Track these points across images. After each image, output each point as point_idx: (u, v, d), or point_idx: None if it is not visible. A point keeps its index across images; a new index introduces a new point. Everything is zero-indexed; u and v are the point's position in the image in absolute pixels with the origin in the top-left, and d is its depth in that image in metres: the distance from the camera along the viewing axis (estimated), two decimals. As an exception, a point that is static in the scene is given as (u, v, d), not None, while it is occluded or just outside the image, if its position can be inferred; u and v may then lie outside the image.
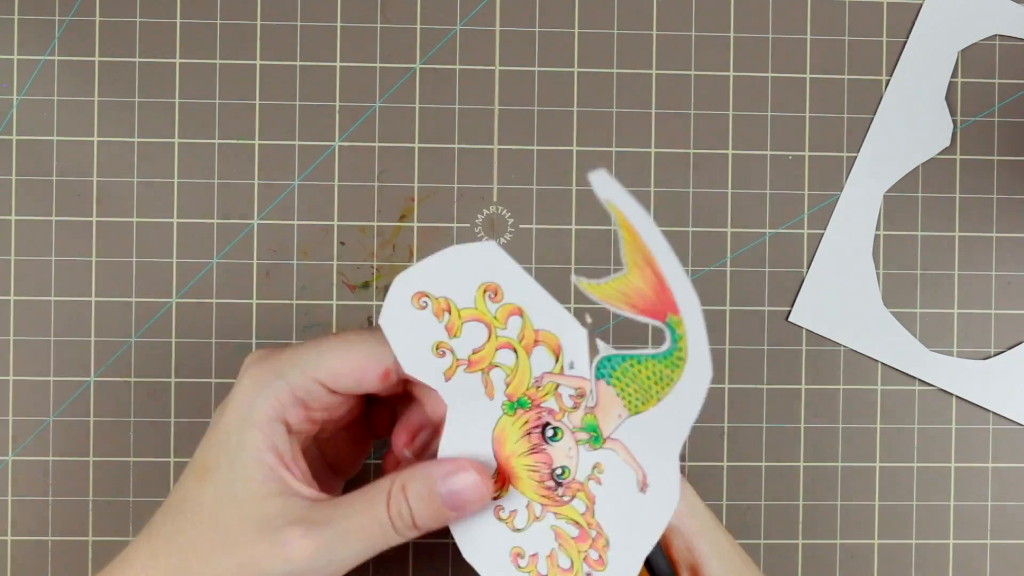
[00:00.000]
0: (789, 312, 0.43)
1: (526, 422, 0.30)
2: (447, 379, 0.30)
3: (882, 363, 0.43)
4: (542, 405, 0.30)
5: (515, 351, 0.30)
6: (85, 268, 0.42)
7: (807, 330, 0.43)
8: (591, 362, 0.30)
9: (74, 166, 0.42)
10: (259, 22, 0.43)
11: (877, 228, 0.44)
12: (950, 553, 0.43)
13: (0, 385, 0.42)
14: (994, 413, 0.43)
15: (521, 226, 0.43)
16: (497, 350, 0.30)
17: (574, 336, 0.30)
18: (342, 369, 0.29)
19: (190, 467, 0.30)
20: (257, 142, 0.43)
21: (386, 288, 0.31)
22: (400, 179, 0.43)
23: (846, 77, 0.44)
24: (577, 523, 0.30)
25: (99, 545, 0.42)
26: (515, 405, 0.30)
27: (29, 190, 0.42)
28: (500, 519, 0.31)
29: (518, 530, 0.31)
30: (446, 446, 0.31)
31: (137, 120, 0.43)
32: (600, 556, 0.30)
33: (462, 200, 0.43)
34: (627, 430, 0.30)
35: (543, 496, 0.30)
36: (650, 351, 0.29)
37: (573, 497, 0.30)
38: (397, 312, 0.30)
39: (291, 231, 0.43)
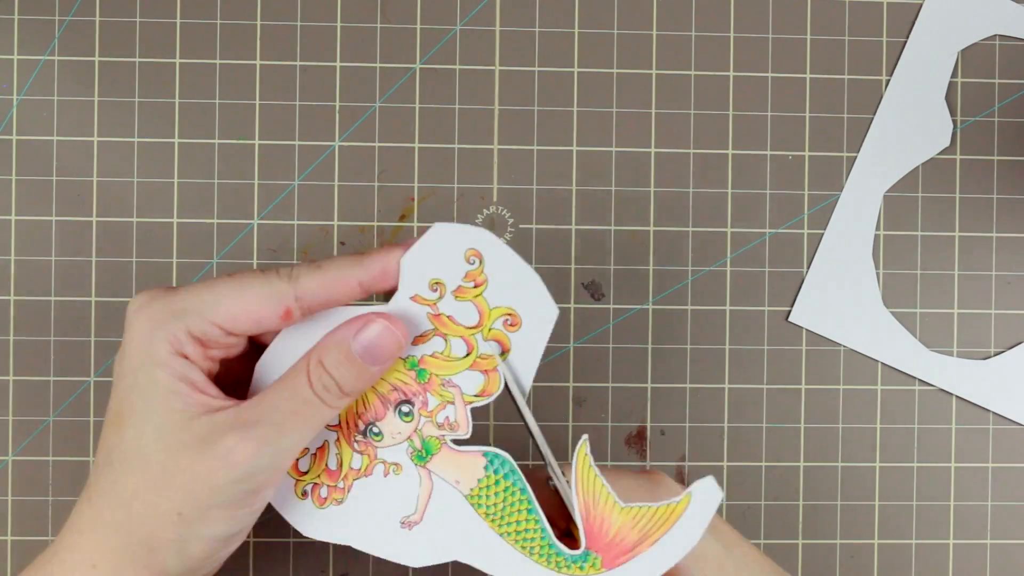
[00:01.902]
0: (789, 312, 0.43)
1: (404, 383, 0.31)
2: (411, 300, 0.31)
3: (882, 363, 0.43)
4: (427, 394, 0.31)
5: (469, 352, 0.31)
6: (85, 268, 0.42)
7: (807, 330, 0.43)
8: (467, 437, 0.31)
9: (74, 166, 0.42)
10: (259, 22, 0.43)
11: (877, 228, 0.44)
12: (950, 553, 0.43)
13: (0, 385, 0.42)
14: (994, 413, 0.43)
15: (521, 226, 0.43)
16: (461, 337, 0.31)
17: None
18: (240, 313, 0.29)
19: (107, 420, 0.30)
20: (257, 142, 0.43)
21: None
22: (400, 179, 0.43)
23: (846, 77, 0.44)
24: (341, 465, 0.31)
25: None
26: (416, 367, 0.31)
27: (29, 190, 0.42)
28: None
29: None
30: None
31: (137, 120, 0.43)
32: (329, 496, 0.31)
33: (462, 200, 0.43)
34: (447, 493, 0.31)
35: (347, 423, 0.31)
36: (550, 532, 0.30)
37: (360, 453, 0.31)
38: (452, 239, 0.30)
39: (291, 231, 0.43)
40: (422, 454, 0.31)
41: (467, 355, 0.31)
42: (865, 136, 0.43)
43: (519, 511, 0.30)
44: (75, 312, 0.42)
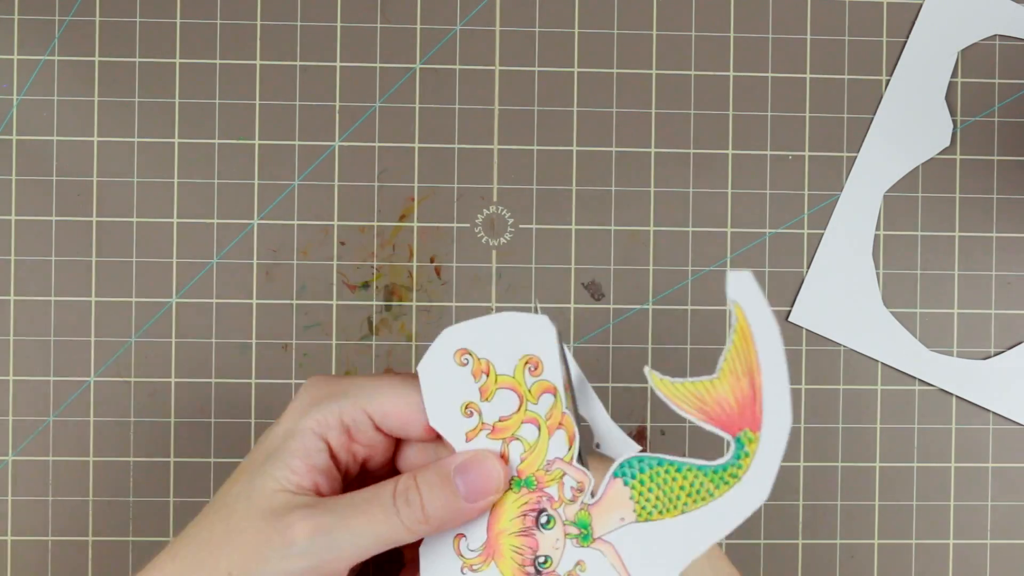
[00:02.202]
0: (789, 312, 0.43)
1: (526, 503, 0.30)
2: (467, 440, 0.30)
3: (882, 363, 0.43)
4: (545, 489, 0.30)
5: (539, 428, 0.30)
6: (85, 268, 0.42)
7: (807, 330, 0.43)
8: (583, 454, 0.30)
9: (74, 166, 0.42)
10: (259, 22, 0.43)
11: (877, 228, 0.44)
12: (950, 553, 0.43)
13: (0, 385, 0.42)
14: (994, 413, 0.43)
15: (521, 226, 0.43)
16: (523, 423, 0.30)
17: (597, 421, 0.30)
18: (392, 410, 0.29)
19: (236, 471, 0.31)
20: (257, 142, 0.43)
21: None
22: (400, 179, 0.43)
23: (846, 77, 0.44)
24: None
25: (99, 545, 0.42)
26: (522, 483, 0.30)
27: (29, 190, 0.42)
28: None
29: None
30: None
31: (137, 120, 0.43)
32: None
33: (462, 200, 0.43)
34: (626, 534, 0.30)
35: None
36: (697, 461, 0.29)
37: None
38: (437, 363, 0.30)
39: (291, 231, 0.43)
40: (584, 534, 0.30)
41: (539, 431, 0.30)
42: (865, 136, 0.43)
43: (674, 479, 0.29)
44: (75, 312, 0.42)
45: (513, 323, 0.30)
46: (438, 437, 0.31)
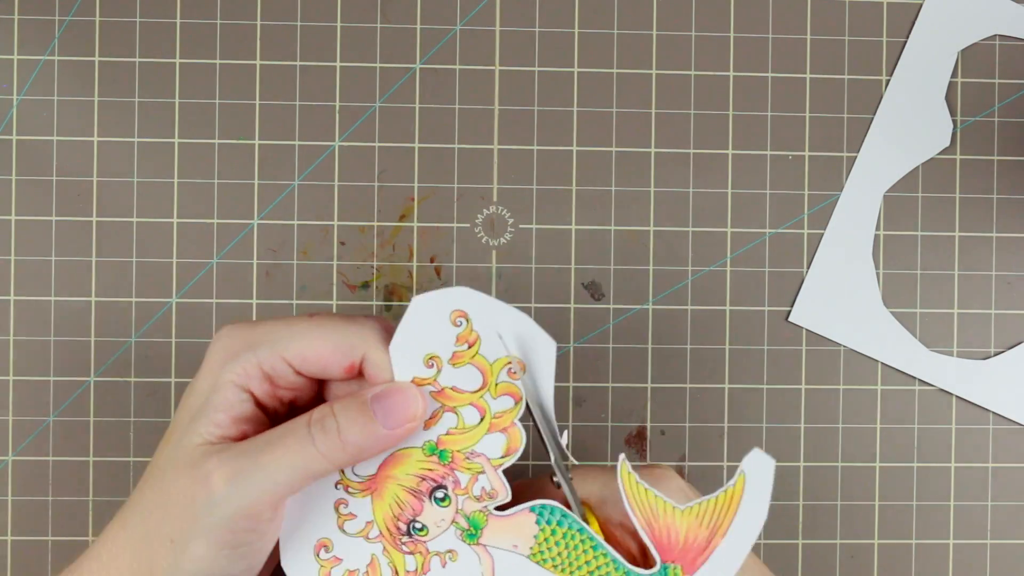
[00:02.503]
0: (789, 312, 0.43)
1: (429, 470, 0.30)
2: (411, 382, 0.30)
3: (882, 363, 0.43)
4: (456, 472, 0.30)
5: (482, 418, 0.30)
6: (85, 268, 0.42)
7: (807, 330, 0.43)
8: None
9: (74, 166, 0.42)
10: (259, 22, 0.43)
11: (877, 228, 0.44)
12: (950, 553, 0.43)
13: (0, 385, 0.42)
14: (994, 413, 0.43)
15: (521, 226, 0.43)
16: (470, 404, 0.30)
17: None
18: (309, 354, 0.29)
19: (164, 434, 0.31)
20: (257, 142, 0.43)
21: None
22: (400, 179, 0.43)
23: (846, 77, 0.44)
24: (396, 573, 0.30)
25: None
26: (436, 450, 0.30)
27: (29, 190, 0.42)
28: (336, 510, 0.30)
29: (342, 531, 0.30)
30: None
31: (137, 120, 0.43)
32: None
33: (462, 200, 0.43)
34: (509, 559, 0.30)
35: (388, 529, 0.30)
36: (616, 555, 0.30)
37: (411, 553, 0.30)
38: (434, 306, 0.30)
39: (291, 231, 0.43)
40: (472, 532, 0.30)
41: (481, 420, 0.30)
42: (865, 136, 0.43)
43: (585, 551, 0.30)
44: (75, 312, 0.42)
45: (524, 327, 0.30)
46: (359, 375, 0.30)
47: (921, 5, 0.44)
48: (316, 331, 0.29)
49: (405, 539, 0.30)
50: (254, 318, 0.42)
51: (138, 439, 0.42)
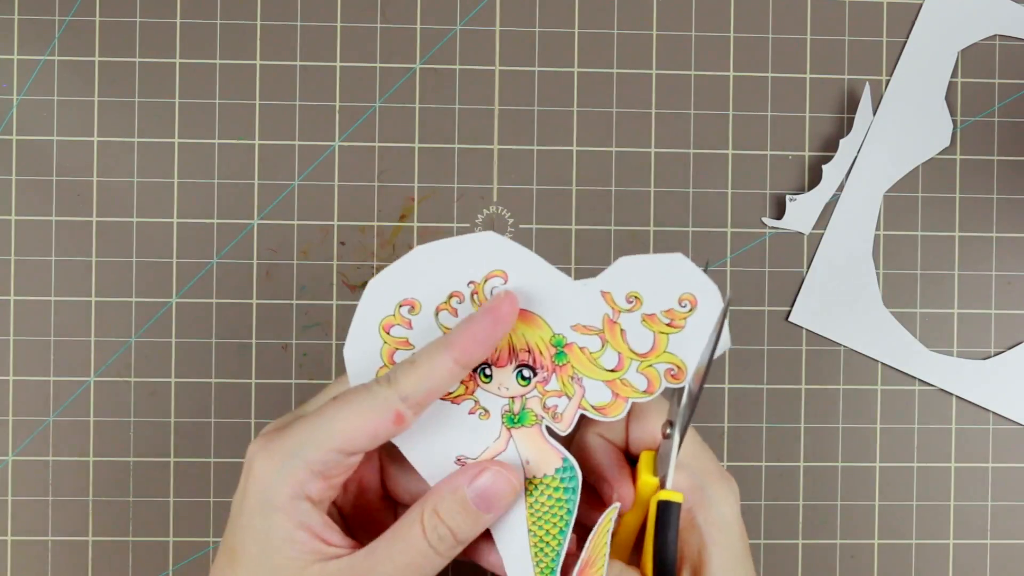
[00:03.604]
0: (789, 312, 0.43)
1: (539, 352, 0.31)
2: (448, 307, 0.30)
3: (882, 363, 0.43)
4: (554, 375, 0.31)
5: (616, 370, 0.30)
6: (85, 268, 0.42)
7: (807, 330, 0.43)
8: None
9: (74, 166, 0.42)
10: (259, 22, 0.43)
11: (877, 228, 0.44)
12: (950, 553, 0.43)
13: (0, 385, 0.42)
14: (994, 413, 0.43)
15: (521, 226, 0.43)
16: (619, 354, 0.31)
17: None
18: (354, 432, 0.29)
19: (220, 553, 0.30)
20: (257, 142, 0.43)
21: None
22: (400, 179, 0.43)
23: (846, 77, 0.44)
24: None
25: (99, 545, 0.42)
26: (560, 345, 0.31)
27: (29, 190, 0.42)
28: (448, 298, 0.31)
29: (436, 317, 0.31)
30: None
31: (137, 120, 0.43)
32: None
33: (462, 200, 0.43)
34: (512, 460, 0.31)
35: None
36: (563, 553, 0.30)
37: (461, 383, 0.31)
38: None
39: (291, 231, 0.43)
40: (514, 419, 0.31)
41: (613, 370, 0.30)
42: (865, 136, 0.43)
43: (555, 525, 0.30)
44: (75, 312, 0.42)
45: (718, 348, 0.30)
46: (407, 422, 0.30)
47: (921, 5, 0.44)
48: (348, 407, 0.29)
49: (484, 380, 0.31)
50: (254, 319, 0.42)
51: (138, 439, 0.42)
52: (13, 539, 0.42)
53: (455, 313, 0.31)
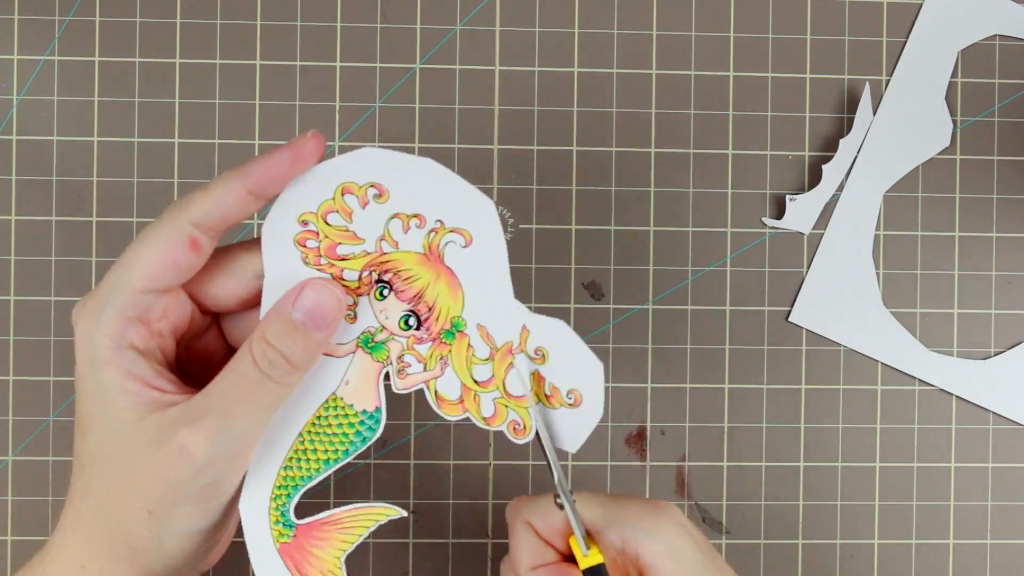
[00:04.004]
0: (789, 312, 0.43)
1: (377, 267, 0.30)
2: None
3: (882, 363, 0.43)
4: (440, 329, 0.30)
5: (489, 358, 0.30)
6: (85, 268, 0.42)
7: (807, 330, 0.43)
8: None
9: (74, 166, 0.42)
10: (259, 22, 0.43)
11: (877, 228, 0.44)
12: (950, 553, 0.43)
13: (0, 385, 0.42)
14: (994, 413, 0.43)
15: (521, 226, 0.43)
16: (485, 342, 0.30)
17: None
18: (152, 265, 0.28)
19: (75, 425, 0.30)
20: (257, 142, 0.43)
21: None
22: (400, 179, 0.43)
23: (846, 77, 0.44)
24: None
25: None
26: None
27: (29, 190, 0.42)
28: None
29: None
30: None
31: (137, 120, 0.43)
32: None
33: (462, 200, 0.43)
34: (333, 367, 0.30)
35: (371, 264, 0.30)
36: (311, 485, 0.30)
37: (357, 280, 0.30)
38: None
39: (291, 231, 0.43)
40: (369, 342, 0.30)
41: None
42: (865, 136, 0.43)
43: (326, 450, 0.30)
44: (75, 312, 0.42)
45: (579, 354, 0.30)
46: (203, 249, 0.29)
47: (921, 5, 0.44)
48: (142, 245, 0.29)
49: (374, 275, 0.30)
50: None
51: (138, 439, 0.42)
52: (13, 539, 0.42)
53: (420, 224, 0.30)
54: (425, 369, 0.30)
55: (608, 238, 0.43)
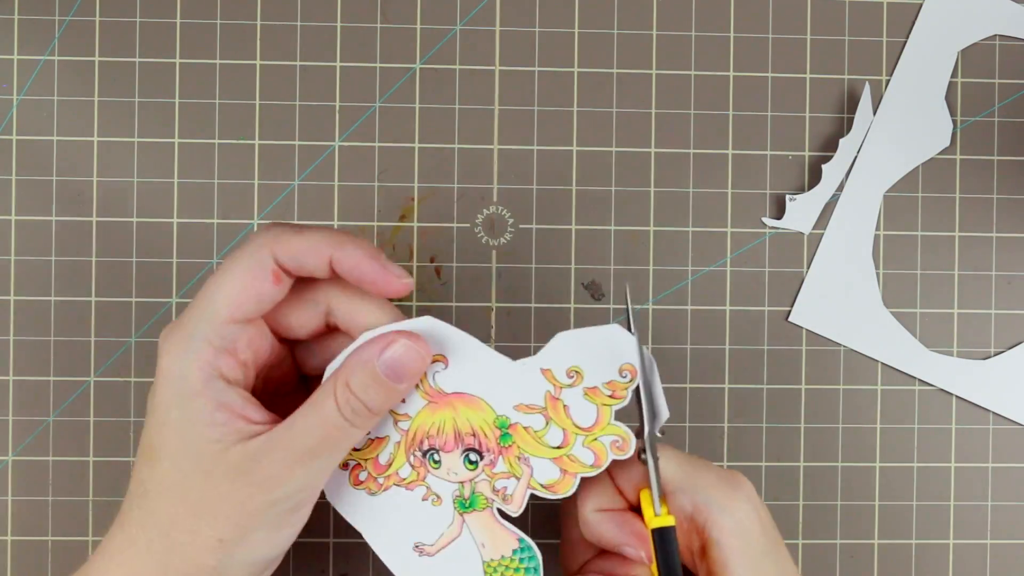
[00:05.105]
0: (789, 312, 0.43)
1: (484, 435, 0.31)
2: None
3: (882, 363, 0.43)
4: (500, 457, 0.31)
5: (562, 446, 0.31)
6: (85, 268, 0.42)
7: (807, 330, 0.43)
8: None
9: (74, 166, 0.42)
10: (259, 22, 0.43)
11: (877, 228, 0.44)
12: (950, 553, 0.43)
13: (0, 385, 0.42)
14: (994, 413, 0.43)
15: (521, 226, 0.43)
16: (563, 430, 0.31)
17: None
18: (236, 295, 0.29)
19: (140, 452, 0.30)
20: (257, 142, 0.43)
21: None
22: (400, 179, 0.43)
23: (846, 77, 0.44)
24: (390, 465, 0.31)
25: (99, 545, 0.42)
26: (504, 427, 0.31)
27: (29, 190, 0.42)
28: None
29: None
30: None
31: (137, 120, 0.43)
32: (366, 483, 0.32)
33: (462, 200, 0.43)
34: (468, 545, 0.31)
35: (415, 437, 0.31)
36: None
37: (412, 466, 0.31)
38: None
39: (291, 231, 0.43)
40: (465, 504, 0.31)
41: (559, 447, 0.31)
42: (865, 136, 0.43)
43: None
44: (75, 312, 0.42)
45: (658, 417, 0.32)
46: (290, 277, 0.30)
47: (921, 5, 0.44)
48: (225, 275, 0.29)
49: (418, 454, 0.31)
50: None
51: (138, 439, 0.42)
52: (13, 539, 0.42)
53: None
54: (518, 479, 0.31)
55: (608, 238, 0.43)
